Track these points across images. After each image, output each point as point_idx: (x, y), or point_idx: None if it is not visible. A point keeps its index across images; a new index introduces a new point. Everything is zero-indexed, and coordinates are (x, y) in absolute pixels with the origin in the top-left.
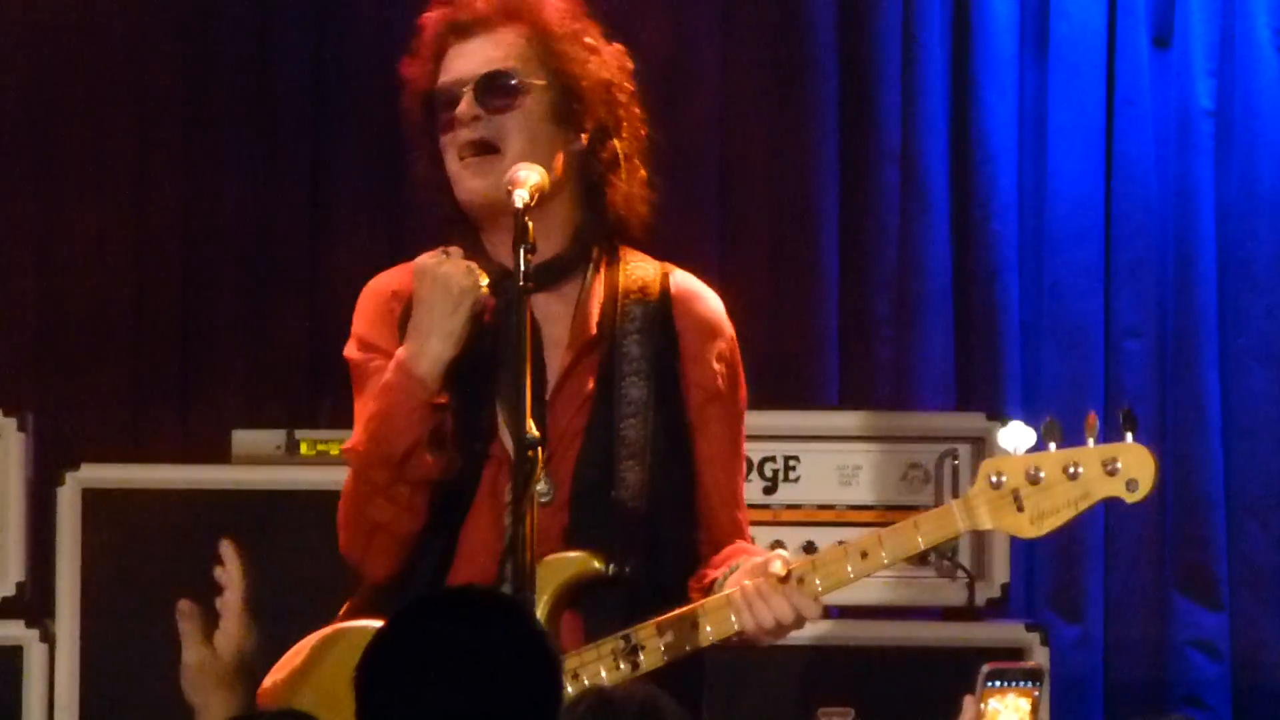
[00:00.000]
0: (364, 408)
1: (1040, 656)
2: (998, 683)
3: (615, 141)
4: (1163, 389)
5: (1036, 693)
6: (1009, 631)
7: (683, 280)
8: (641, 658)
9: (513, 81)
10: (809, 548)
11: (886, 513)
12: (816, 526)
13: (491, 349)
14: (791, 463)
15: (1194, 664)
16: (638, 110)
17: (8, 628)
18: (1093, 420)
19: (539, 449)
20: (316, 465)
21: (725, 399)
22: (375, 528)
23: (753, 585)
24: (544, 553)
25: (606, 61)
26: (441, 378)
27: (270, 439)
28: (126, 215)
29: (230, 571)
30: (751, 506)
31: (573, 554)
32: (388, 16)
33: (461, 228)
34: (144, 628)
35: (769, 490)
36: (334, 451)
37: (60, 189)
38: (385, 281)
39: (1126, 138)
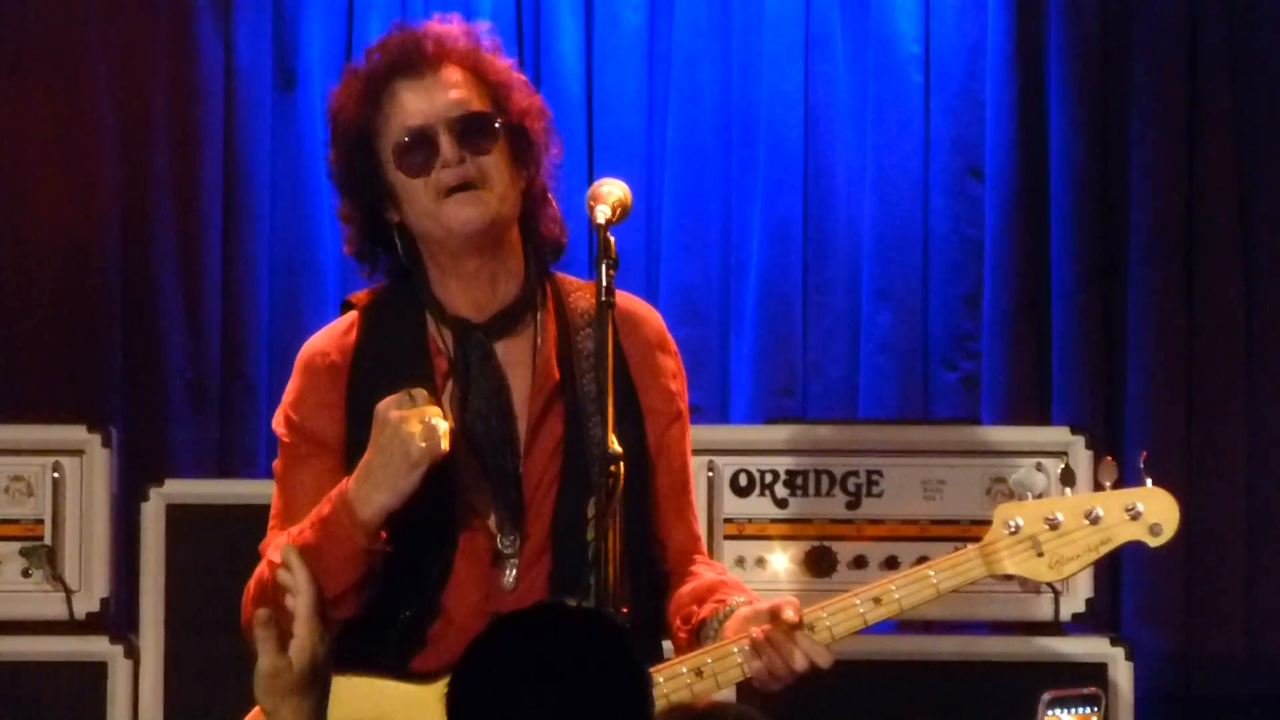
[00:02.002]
0: (287, 487)
1: (1125, 671)
2: (1058, 710)
3: (540, 177)
4: (1248, 404)
5: (1096, 718)
6: (1094, 645)
7: (622, 303)
8: None
9: (494, 124)
10: (891, 562)
11: (970, 527)
12: (900, 541)
13: (460, 405)
14: (875, 477)
15: None
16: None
17: (92, 643)
18: (1110, 463)
19: (620, 464)
20: None
21: (681, 415)
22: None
23: (763, 633)
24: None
25: (538, 100)
26: (382, 523)
27: None
28: (212, 233)
29: (297, 577)
30: (834, 521)
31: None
32: None
33: (412, 275)
34: (228, 643)
35: (852, 505)
36: None
37: (146, 205)
38: (322, 348)
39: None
